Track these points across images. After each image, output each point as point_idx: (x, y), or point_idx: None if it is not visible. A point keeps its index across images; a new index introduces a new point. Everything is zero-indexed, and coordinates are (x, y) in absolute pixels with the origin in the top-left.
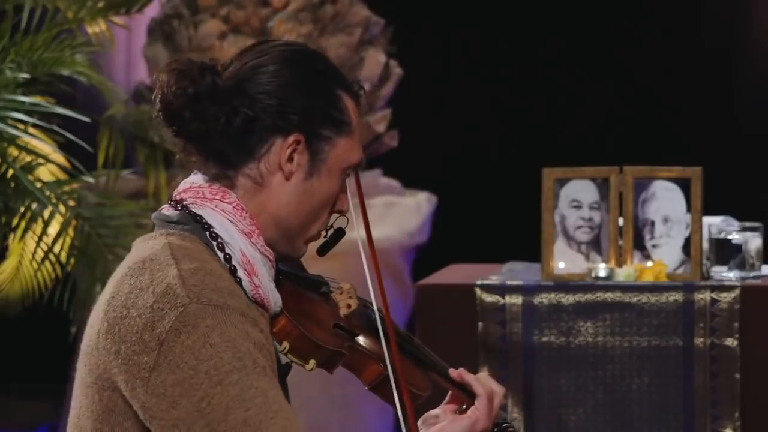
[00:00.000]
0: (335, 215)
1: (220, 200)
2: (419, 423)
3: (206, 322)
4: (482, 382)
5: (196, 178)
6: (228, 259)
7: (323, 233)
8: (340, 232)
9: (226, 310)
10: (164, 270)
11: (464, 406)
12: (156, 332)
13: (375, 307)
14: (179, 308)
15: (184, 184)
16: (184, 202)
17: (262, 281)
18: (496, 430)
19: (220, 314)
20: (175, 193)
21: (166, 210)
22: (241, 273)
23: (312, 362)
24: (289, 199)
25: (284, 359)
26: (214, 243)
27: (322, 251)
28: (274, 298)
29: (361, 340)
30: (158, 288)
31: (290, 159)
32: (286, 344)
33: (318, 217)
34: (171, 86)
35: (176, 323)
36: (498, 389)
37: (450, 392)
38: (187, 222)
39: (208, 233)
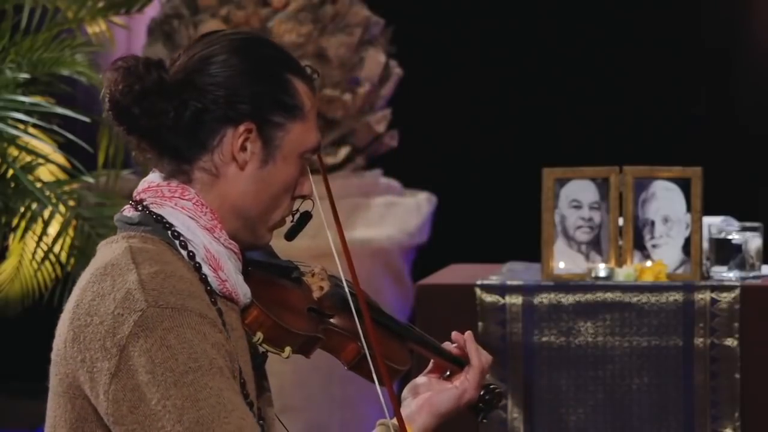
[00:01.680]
0: (300, 200)
1: (179, 198)
2: (405, 391)
3: (163, 325)
4: (480, 353)
5: (153, 177)
6: (192, 256)
7: (289, 219)
8: (305, 216)
9: (183, 312)
10: (125, 275)
11: (448, 373)
12: (116, 338)
13: (345, 284)
14: (137, 312)
15: (143, 183)
16: (144, 203)
17: (229, 275)
18: (485, 395)
19: (177, 316)
20: (134, 194)
21: (127, 211)
22: (206, 269)
23: (288, 349)
24: (247, 188)
25: (261, 349)
26: (177, 242)
27: (290, 236)
28: (242, 291)
29: (335, 321)
30: (119, 294)
31: (243, 148)
32: (260, 335)
33: (278, 203)
34: (118, 84)
35: (135, 328)
36: (490, 359)
37: (432, 361)
38: (148, 222)
39: (170, 232)
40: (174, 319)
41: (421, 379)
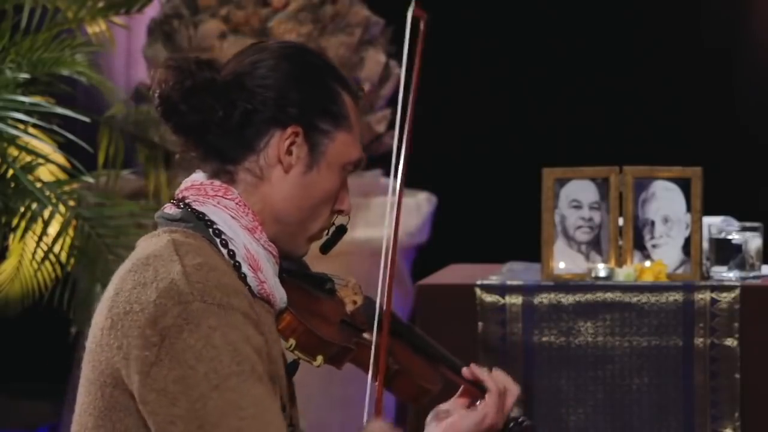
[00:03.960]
0: (337, 216)
1: (222, 197)
2: (430, 416)
3: (209, 321)
4: (495, 377)
5: (197, 176)
6: (232, 255)
7: (325, 233)
8: (341, 229)
9: (229, 311)
10: (168, 266)
11: (477, 402)
12: (158, 327)
13: (378, 303)
14: (183, 305)
15: (186, 182)
16: (187, 200)
17: (267, 276)
18: (512, 425)
19: (223, 315)
20: (177, 192)
21: (169, 209)
22: (245, 268)
23: (320, 358)
24: (290, 193)
25: (291, 356)
26: (218, 239)
27: (325, 249)
28: (279, 294)
29: (367, 336)
30: (162, 284)
31: (289, 152)
32: (292, 341)
33: (319, 213)
34: (168, 81)
35: (179, 320)
36: (512, 387)
37: (462, 387)
38: (190, 219)
39: (211, 230)
40: (220, 318)
41: (445, 405)
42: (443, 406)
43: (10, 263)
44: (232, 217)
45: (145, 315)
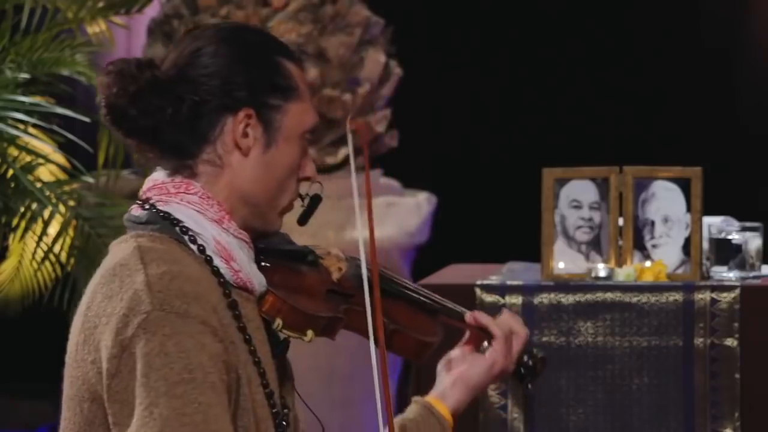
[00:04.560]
0: (307, 184)
1: (184, 192)
2: (440, 365)
3: (164, 330)
4: (500, 323)
5: (158, 175)
6: (202, 250)
7: (300, 203)
8: (316, 199)
9: (186, 319)
10: (132, 276)
11: (485, 344)
12: (119, 338)
13: (364, 263)
14: (142, 314)
15: (148, 182)
16: (151, 201)
17: (242, 265)
18: (528, 360)
19: (179, 323)
20: (141, 193)
21: (135, 210)
22: (217, 261)
23: (310, 333)
24: (252, 174)
25: (281, 336)
26: (186, 237)
27: (302, 220)
28: (257, 280)
29: (357, 300)
30: (126, 294)
31: (245, 134)
32: (279, 321)
33: (285, 187)
34: (112, 88)
35: (138, 330)
36: (519, 329)
37: (467, 332)
38: (156, 221)
39: (178, 228)
40: (175, 326)
41: (455, 352)
42: (453, 353)
43: (10, 263)
44: (198, 212)
45: (110, 327)
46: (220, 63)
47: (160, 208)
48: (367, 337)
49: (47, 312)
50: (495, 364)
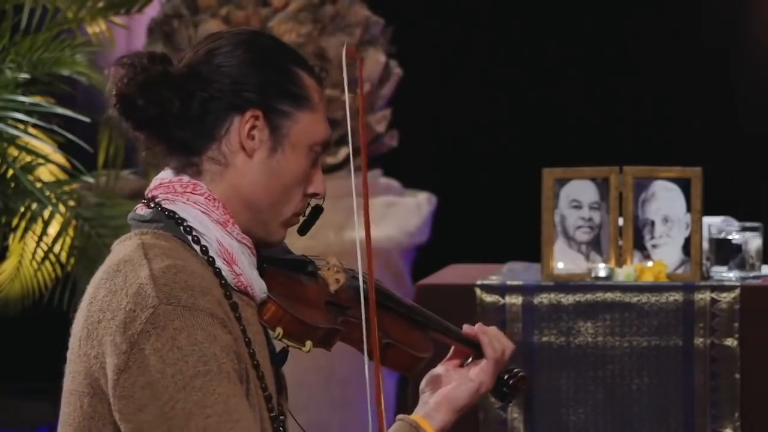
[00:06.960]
0: (312, 200)
1: (191, 193)
2: (423, 383)
3: (174, 324)
4: (494, 343)
5: (165, 174)
6: (205, 251)
7: (301, 217)
8: (318, 209)
9: (195, 312)
10: (137, 270)
11: (469, 360)
12: (127, 334)
13: (361, 275)
14: (150, 309)
15: (155, 181)
16: (156, 200)
17: (243, 269)
18: (508, 379)
19: (188, 316)
20: (147, 192)
21: (140, 209)
22: (219, 263)
23: (309, 344)
24: (256, 178)
25: (280, 345)
26: (189, 237)
27: (302, 230)
28: (258, 285)
29: (353, 312)
30: (131, 289)
31: (250, 136)
32: (279, 330)
33: (289, 197)
34: (123, 79)
35: (147, 325)
36: (507, 347)
37: (452, 348)
38: (161, 219)
39: (182, 228)
40: (185, 319)
41: (439, 369)
42: (436, 371)
43: (10, 263)
44: (203, 212)
45: (116, 322)
46: (233, 63)
47: (166, 206)
48: (362, 351)
49: (47, 312)
50: (482, 386)
